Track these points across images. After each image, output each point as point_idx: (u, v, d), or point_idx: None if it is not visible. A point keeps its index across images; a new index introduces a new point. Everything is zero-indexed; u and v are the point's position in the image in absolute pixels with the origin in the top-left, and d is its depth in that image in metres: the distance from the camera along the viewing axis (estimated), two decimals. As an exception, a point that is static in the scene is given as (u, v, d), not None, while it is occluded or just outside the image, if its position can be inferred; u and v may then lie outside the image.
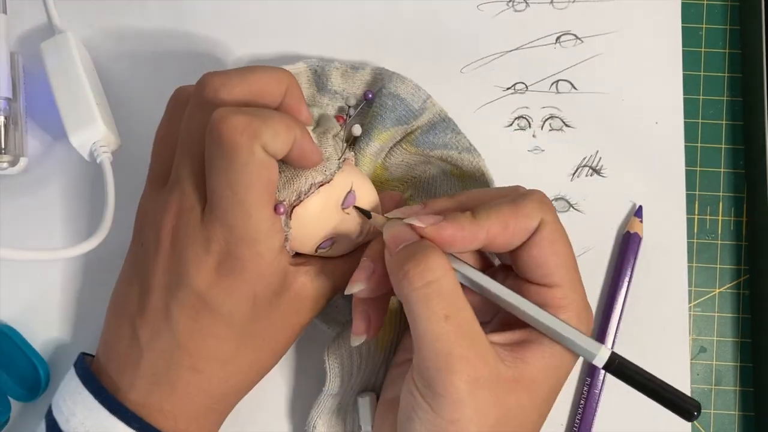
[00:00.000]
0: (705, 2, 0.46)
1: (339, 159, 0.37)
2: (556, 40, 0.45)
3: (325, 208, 0.36)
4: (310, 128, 0.37)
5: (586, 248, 0.44)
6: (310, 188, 0.35)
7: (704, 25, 0.46)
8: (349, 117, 0.41)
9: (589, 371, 0.43)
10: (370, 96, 0.41)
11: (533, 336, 0.34)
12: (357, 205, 0.36)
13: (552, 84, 0.45)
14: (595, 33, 0.45)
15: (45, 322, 0.43)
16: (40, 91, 0.43)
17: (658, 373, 0.33)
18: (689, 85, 0.46)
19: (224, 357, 0.35)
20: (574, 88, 0.45)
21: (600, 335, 0.43)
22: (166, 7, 0.45)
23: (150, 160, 0.38)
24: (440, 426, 0.31)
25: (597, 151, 0.45)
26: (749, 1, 0.45)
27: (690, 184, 0.45)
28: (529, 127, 0.45)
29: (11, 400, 0.42)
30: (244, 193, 0.32)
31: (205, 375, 0.35)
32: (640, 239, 0.43)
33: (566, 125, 0.45)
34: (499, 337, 0.34)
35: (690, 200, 0.45)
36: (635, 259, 0.43)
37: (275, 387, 0.43)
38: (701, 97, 0.46)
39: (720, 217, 0.45)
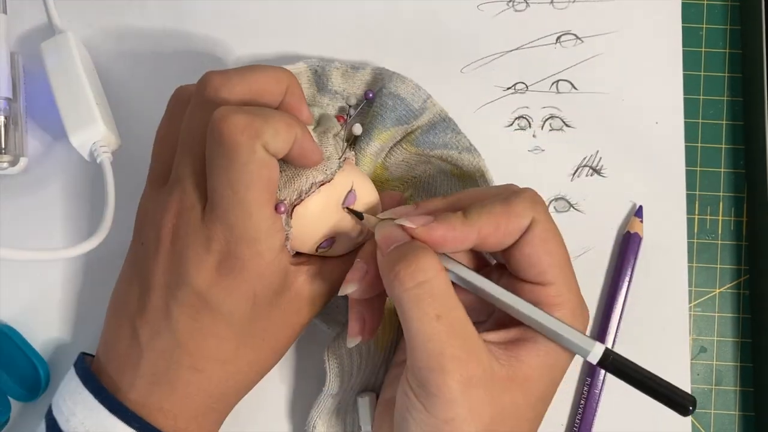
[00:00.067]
0: (705, 2, 0.46)
1: (340, 158, 0.37)
2: (557, 40, 0.46)
3: (326, 208, 0.36)
4: (310, 128, 0.37)
5: (586, 248, 0.44)
6: (311, 187, 0.35)
7: (704, 25, 0.46)
8: (350, 117, 0.41)
9: (589, 371, 0.43)
10: (371, 95, 0.41)
11: (528, 334, 0.34)
12: (358, 204, 0.37)
13: (552, 84, 0.45)
14: (596, 33, 0.46)
15: (45, 322, 0.43)
16: (40, 91, 0.43)
17: (658, 373, 0.33)
18: (689, 85, 0.46)
19: (224, 356, 0.35)
20: (575, 88, 0.45)
21: (600, 335, 0.43)
22: (166, 7, 0.45)
23: (150, 159, 0.38)
24: (435, 426, 0.31)
25: (597, 151, 0.45)
26: (749, 1, 0.45)
27: (690, 184, 0.45)
28: (530, 127, 0.45)
29: (11, 400, 0.42)
30: (245, 192, 0.32)
31: (205, 374, 0.35)
32: (640, 239, 0.43)
33: (566, 125, 0.45)
34: (493, 336, 0.34)
35: (690, 200, 0.45)
36: (635, 259, 0.43)
37: (275, 387, 0.43)
38: (701, 97, 0.46)
39: (720, 217, 0.45)
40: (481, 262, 0.38)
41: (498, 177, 0.41)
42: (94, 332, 0.38)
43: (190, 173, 0.34)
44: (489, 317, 0.37)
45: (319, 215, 0.35)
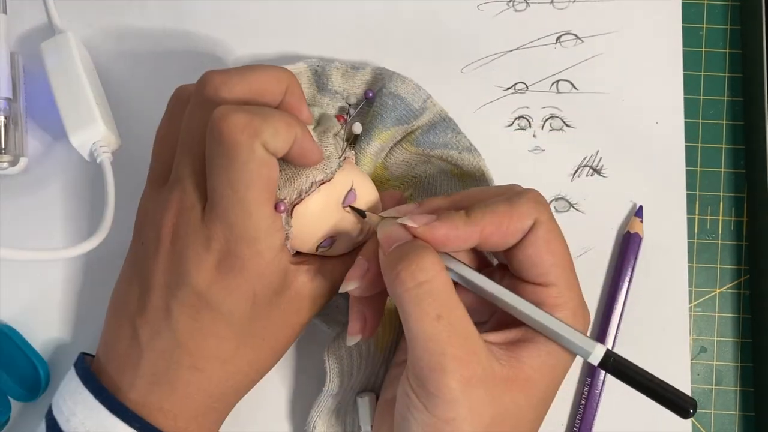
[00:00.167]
0: (705, 2, 0.46)
1: (340, 158, 0.37)
2: (557, 40, 0.45)
3: (326, 207, 0.36)
4: (310, 127, 0.37)
5: (587, 248, 0.44)
6: (311, 186, 0.35)
7: (704, 25, 0.46)
8: (350, 116, 0.41)
9: (590, 371, 0.43)
10: (371, 95, 0.41)
11: (529, 335, 0.34)
12: (358, 203, 0.37)
13: (552, 84, 0.45)
14: (596, 33, 0.46)
15: (45, 322, 0.43)
16: (40, 91, 0.43)
17: (658, 373, 0.33)
18: (690, 85, 0.46)
19: (224, 356, 0.35)
20: (575, 88, 0.45)
21: (600, 335, 0.43)
22: (166, 7, 0.45)
23: (150, 159, 0.38)
24: (435, 426, 0.31)
25: (597, 151, 0.45)
26: (749, 1, 0.45)
27: (690, 184, 0.45)
28: (530, 127, 0.45)
29: (11, 400, 0.42)
30: (245, 192, 0.32)
31: (205, 374, 0.35)
32: (640, 239, 0.43)
33: (566, 125, 0.45)
34: (494, 336, 0.34)
35: (690, 200, 0.45)
36: (635, 259, 0.43)
37: (275, 387, 0.43)
38: (701, 97, 0.46)
39: (720, 217, 0.45)
40: (482, 262, 0.38)
41: (498, 177, 0.41)
42: (94, 332, 0.38)
43: (190, 173, 0.34)
44: (490, 317, 0.37)
45: (319, 214, 0.35)
